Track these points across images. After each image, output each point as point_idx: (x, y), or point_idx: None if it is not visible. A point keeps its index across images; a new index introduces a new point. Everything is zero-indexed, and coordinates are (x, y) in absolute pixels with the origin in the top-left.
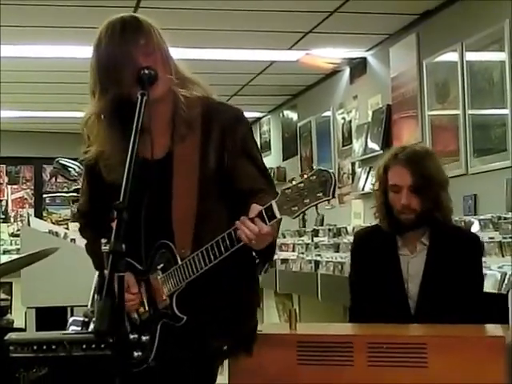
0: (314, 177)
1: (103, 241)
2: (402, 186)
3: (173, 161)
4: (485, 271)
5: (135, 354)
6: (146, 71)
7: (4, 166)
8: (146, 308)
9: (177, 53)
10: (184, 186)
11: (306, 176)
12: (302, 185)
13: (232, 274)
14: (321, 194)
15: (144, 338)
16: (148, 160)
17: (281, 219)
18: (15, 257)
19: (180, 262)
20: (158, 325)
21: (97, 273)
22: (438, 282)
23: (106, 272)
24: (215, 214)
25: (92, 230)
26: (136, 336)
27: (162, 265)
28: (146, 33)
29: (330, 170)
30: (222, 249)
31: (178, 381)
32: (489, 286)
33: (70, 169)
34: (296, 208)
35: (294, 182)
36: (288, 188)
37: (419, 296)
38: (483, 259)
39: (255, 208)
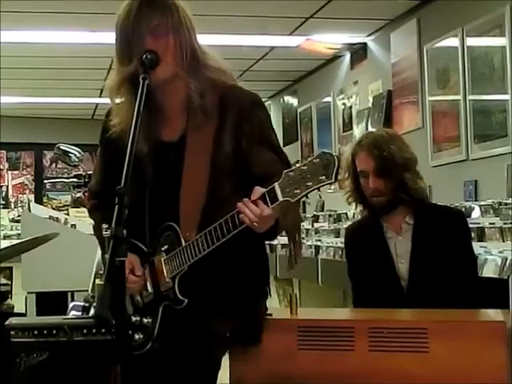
0: (318, 160)
1: (104, 226)
2: (368, 171)
3: (186, 144)
4: (485, 256)
5: (136, 336)
6: (148, 55)
7: (4, 151)
8: (150, 290)
9: None
10: (195, 170)
11: (309, 159)
12: (305, 167)
13: (238, 258)
14: (323, 177)
15: (146, 320)
16: (162, 141)
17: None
18: (15, 242)
19: (184, 244)
20: (159, 307)
21: (97, 258)
22: (426, 259)
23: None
24: (228, 199)
25: (102, 212)
26: (138, 318)
27: (166, 247)
28: (162, 12)
29: (334, 153)
30: (225, 231)
31: (179, 364)
32: (489, 271)
33: (70, 154)
34: (298, 191)
35: (297, 165)
36: (291, 170)
37: (410, 275)
38: (484, 244)
39: (258, 190)
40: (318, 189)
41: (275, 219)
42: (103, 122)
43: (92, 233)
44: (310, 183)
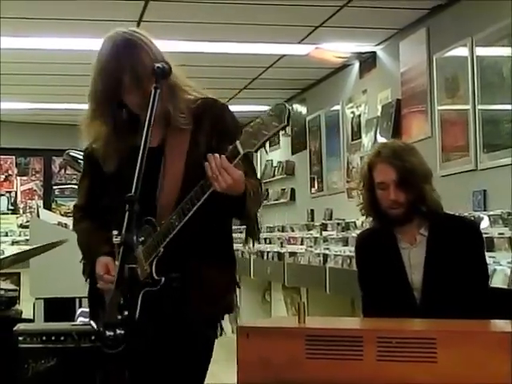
0: (271, 111)
1: (114, 232)
2: (388, 183)
3: (164, 148)
4: (494, 267)
5: (118, 331)
6: (160, 65)
7: (14, 157)
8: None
9: (187, 46)
10: (172, 169)
11: (264, 112)
12: (260, 120)
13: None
14: (276, 123)
15: (125, 313)
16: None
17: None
18: (24, 248)
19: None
20: (138, 298)
21: None
22: (440, 270)
23: (117, 263)
24: None
25: (90, 221)
26: (119, 316)
27: (142, 238)
28: (140, 53)
29: (286, 103)
30: (195, 200)
31: (163, 357)
32: (498, 282)
33: (80, 161)
34: (256, 141)
35: (255, 121)
36: (250, 126)
37: (423, 286)
38: (493, 254)
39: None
40: (274, 135)
41: (242, 190)
42: (88, 151)
43: None
44: (266, 132)
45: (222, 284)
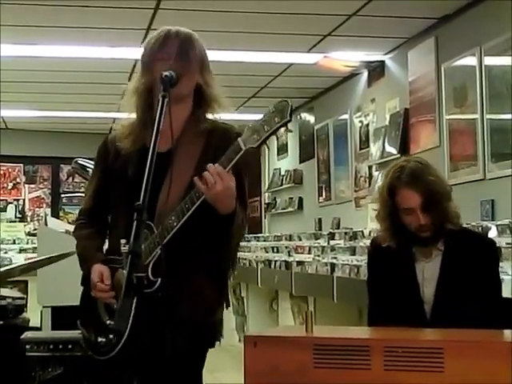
0: (274, 108)
1: (122, 241)
2: (414, 208)
3: (173, 156)
4: (502, 276)
5: (110, 336)
6: (168, 73)
7: (22, 165)
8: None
9: None
10: (179, 176)
11: (267, 110)
12: (263, 117)
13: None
14: (279, 119)
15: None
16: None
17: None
18: (31, 256)
19: (156, 232)
20: (132, 301)
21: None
22: (453, 285)
23: (124, 272)
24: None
25: (90, 227)
26: (112, 322)
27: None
28: (190, 43)
29: (287, 100)
30: (189, 204)
31: (155, 363)
32: (506, 292)
33: (88, 169)
34: (258, 137)
35: (257, 120)
36: (252, 124)
37: (435, 300)
38: (501, 264)
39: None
40: (277, 130)
41: (232, 205)
42: (103, 144)
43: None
44: (269, 127)
45: (212, 296)
